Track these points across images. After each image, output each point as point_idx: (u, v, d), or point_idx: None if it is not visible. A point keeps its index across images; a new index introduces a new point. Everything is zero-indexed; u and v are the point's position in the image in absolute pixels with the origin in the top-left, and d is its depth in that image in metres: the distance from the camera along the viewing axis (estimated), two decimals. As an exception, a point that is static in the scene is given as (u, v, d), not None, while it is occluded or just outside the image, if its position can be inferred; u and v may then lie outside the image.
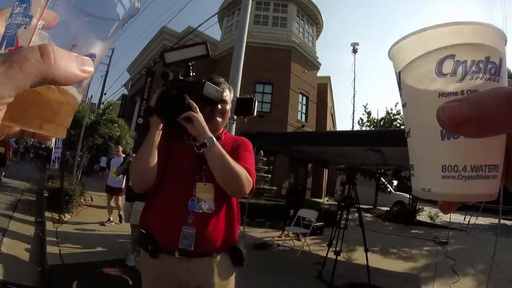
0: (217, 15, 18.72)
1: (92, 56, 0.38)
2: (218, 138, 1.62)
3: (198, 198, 1.54)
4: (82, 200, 9.32)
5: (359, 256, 5.96)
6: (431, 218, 13.72)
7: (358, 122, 21.15)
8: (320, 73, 25.29)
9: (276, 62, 20.45)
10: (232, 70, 5.43)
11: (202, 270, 1.55)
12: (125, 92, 30.03)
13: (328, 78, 28.56)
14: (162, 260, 1.55)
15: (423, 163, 0.35)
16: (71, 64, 0.32)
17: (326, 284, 4.46)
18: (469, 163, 0.31)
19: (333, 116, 32.45)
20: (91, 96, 22.81)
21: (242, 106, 3.59)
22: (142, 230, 1.62)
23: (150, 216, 1.60)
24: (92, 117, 10.44)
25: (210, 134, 1.41)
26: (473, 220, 11.05)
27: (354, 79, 20.55)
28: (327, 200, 18.24)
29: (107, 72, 26.25)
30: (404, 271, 6.00)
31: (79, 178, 9.96)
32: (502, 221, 5.43)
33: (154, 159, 1.50)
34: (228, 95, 1.72)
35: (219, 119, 1.68)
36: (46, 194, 8.64)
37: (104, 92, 25.65)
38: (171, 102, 1.39)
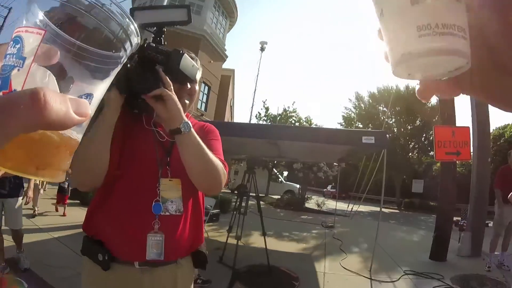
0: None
1: (89, 97, 0.36)
2: None
3: (164, 198, 1.27)
4: None
5: (256, 240, 6.20)
6: (318, 205, 15.13)
7: (256, 116, 22.02)
8: (226, 65, 25.54)
9: (183, 48, 19.88)
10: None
11: (166, 280, 1.32)
12: None
13: (233, 71, 29.04)
14: (118, 273, 1.26)
15: (399, 31, 0.36)
16: (64, 108, 0.29)
17: (228, 267, 4.56)
18: (440, 21, 0.33)
19: (232, 108, 33.08)
20: None
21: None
22: (86, 236, 1.33)
23: (101, 222, 1.30)
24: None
25: (186, 118, 1.16)
26: (356, 208, 12.42)
27: (257, 75, 21.30)
28: (220, 189, 18.63)
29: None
30: (298, 251, 6.42)
31: None
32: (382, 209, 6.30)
33: (108, 148, 1.18)
34: (199, 75, 1.39)
35: (187, 102, 1.39)
36: None
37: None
38: (138, 74, 1.10)
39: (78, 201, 7.38)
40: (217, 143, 1.45)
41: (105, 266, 1.24)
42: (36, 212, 6.46)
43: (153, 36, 1.20)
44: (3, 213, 3.73)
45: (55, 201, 7.26)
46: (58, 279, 3.43)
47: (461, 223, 7.01)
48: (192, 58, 1.27)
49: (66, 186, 6.82)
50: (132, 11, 1.18)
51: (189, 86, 1.35)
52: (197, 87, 1.43)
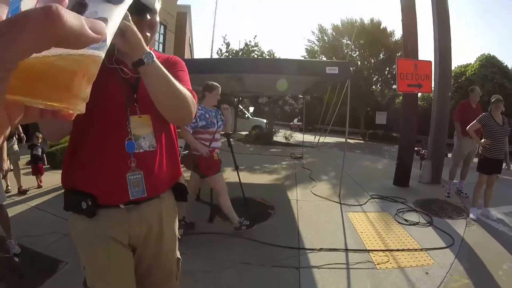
0: None
1: (104, 21, 0.33)
2: None
3: (135, 135, 1.25)
4: None
5: (229, 175, 6.26)
6: (286, 138, 15.40)
7: (217, 53, 21.31)
8: (180, 1, 24.01)
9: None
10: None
11: (152, 215, 1.34)
12: None
13: (189, 7, 27.38)
14: (104, 217, 1.25)
15: None
16: (79, 22, 0.27)
17: (206, 204, 4.64)
18: None
19: (191, 46, 31.82)
20: None
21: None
22: (67, 190, 1.28)
23: (77, 172, 1.25)
24: None
25: (148, 49, 1.08)
26: (322, 139, 12.82)
27: (215, 9, 20.31)
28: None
29: None
30: (270, 182, 6.64)
31: None
32: (347, 140, 6.49)
33: None
34: (158, 5, 1.30)
35: (148, 34, 1.26)
36: None
37: None
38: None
39: (48, 166, 6.94)
40: (184, 73, 1.40)
41: (90, 213, 1.23)
42: (22, 188, 5.47)
43: None
44: None
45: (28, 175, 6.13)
46: (47, 245, 3.40)
47: (422, 152, 7.40)
48: None
49: (39, 154, 5.90)
50: None
51: (148, 17, 1.24)
52: (157, 18, 1.31)
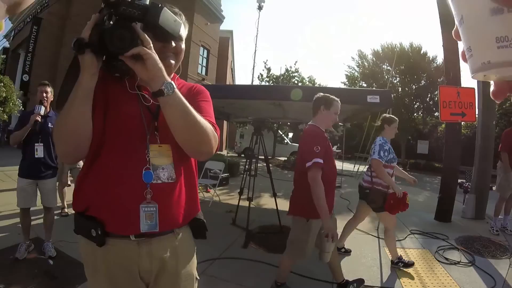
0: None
1: None
2: None
3: (154, 165, 1.19)
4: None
5: (266, 201, 6.34)
6: (325, 165, 15.12)
7: (258, 77, 21.76)
8: (223, 26, 24.95)
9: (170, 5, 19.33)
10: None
11: (164, 252, 1.25)
12: (6, 44, 24.70)
13: (231, 32, 28.45)
14: (114, 247, 1.19)
15: (479, 41, 0.38)
16: None
17: (241, 229, 4.73)
18: None
19: (233, 70, 32.67)
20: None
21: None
22: (78, 212, 1.23)
23: (90, 195, 1.19)
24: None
25: (169, 79, 1.06)
26: (361, 168, 12.46)
27: (257, 35, 20.85)
28: (227, 153, 18.78)
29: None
30: (307, 211, 6.57)
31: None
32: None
33: (88, 116, 1.10)
34: (184, 31, 1.29)
35: (173, 61, 1.25)
36: None
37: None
38: (112, 33, 0.98)
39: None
40: (207, 104, 1.35)
41: (99, 242, 1.17)
42: (65, 211, 5.47)
43: None
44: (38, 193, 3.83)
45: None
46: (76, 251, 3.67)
47: (466, 185, 7.08)
48: (175, 13, 1.19)
49: None
50: None
51: (173, 44, 1.22)
52: (183, 45, 1.30)
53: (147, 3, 1.02)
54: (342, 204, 7.44)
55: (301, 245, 2.80)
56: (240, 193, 5.53)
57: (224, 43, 25.72)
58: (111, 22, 1.03)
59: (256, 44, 22.62)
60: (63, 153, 1.20)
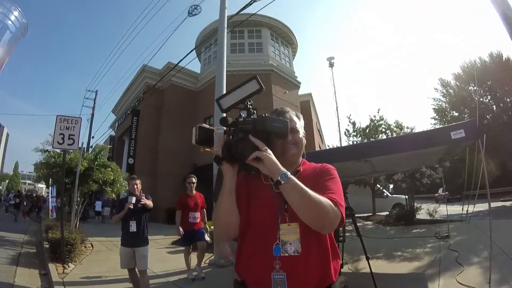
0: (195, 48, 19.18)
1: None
2: (297, 172, 1.57)
3: (283, 241, 1.43)
4: (84, 247, 9.21)
5: (364, 265, 5.99)
6: (430, 214, 13.90)
7: (345, 133, 21.50)
8: (301, 91, 25.78)
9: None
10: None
11: None
12: (112, 133, 30.24)
13: (310, 95, 29.16)
14: None
15: None
16: None
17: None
18: None
19: (320, 131, 32.88)
20: (82, 143, 22.83)
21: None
22: (237, 278, 1.56)
23: (240, 265, 1.54)
24: (85, 164, 10.35)
25: (284, 170, 1.30)
26: (471, 208, 10.51)
27: (335, 92, 21.11)
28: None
29: (92, 115, 26.89)
30: (409, 271, 6.02)
31: (77, 226, 9.84)
32: (502, 203, 5.55)
33: (233, 207, 1.46)
34: (298, 123, 1.70)
35: (294, 151, 1.60)
36: (46, 245, 8.55)
37: (91, 136, 26.16)
38: (236, 146, 1.33)
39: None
40: (331, 182, 1.52)
41: None
42: (194, 274, 6.05)
43: (244, 110, 1.42)
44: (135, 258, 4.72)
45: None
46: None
47: None
48: (280, 113, 1.64)
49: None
50: (217, 101, 1.46)
51: (290, 137, 1.54)
52: (300, 135, 1.66)
53: (255, 117, 1.39)
54: (451, 256, 6.65)
55: None
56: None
57: (306, 107, 26.27)
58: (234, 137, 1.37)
59: (336, 101, 22.88)
60: (218, 233, 1.57)
